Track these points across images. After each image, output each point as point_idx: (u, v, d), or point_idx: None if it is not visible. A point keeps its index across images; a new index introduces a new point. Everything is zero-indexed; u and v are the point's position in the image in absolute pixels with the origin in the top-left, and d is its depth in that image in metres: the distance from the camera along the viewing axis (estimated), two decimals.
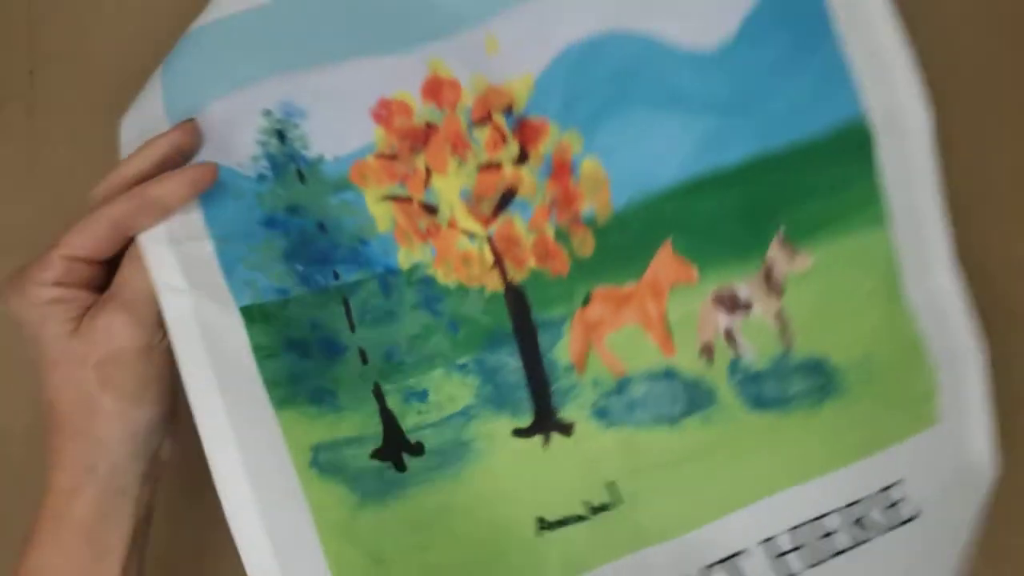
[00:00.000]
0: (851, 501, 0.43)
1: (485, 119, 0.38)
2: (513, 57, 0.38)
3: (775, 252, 0.41)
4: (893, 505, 0.43)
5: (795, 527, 0.42)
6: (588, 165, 0.39)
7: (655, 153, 0.39)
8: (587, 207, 0.39)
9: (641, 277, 0.40)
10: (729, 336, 0.41)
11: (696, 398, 0.41)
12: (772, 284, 0.41)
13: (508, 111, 0.39)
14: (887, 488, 0.43)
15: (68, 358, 0.33)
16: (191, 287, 0.34)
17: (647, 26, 0.38)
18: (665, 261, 0.40)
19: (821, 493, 0.43)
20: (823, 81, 0.39)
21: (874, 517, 0.43)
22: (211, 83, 0.36)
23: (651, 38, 0.38)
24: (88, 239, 0.33)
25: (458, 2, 0.37)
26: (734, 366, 0.41)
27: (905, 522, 0.43)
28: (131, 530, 0.34)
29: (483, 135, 0.38)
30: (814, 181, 0.40)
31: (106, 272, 0.35)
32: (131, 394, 0.33)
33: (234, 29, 0.36)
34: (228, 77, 0.36)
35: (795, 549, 0.42)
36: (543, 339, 0.40)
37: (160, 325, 0.34)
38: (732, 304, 0.41)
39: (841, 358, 0.42)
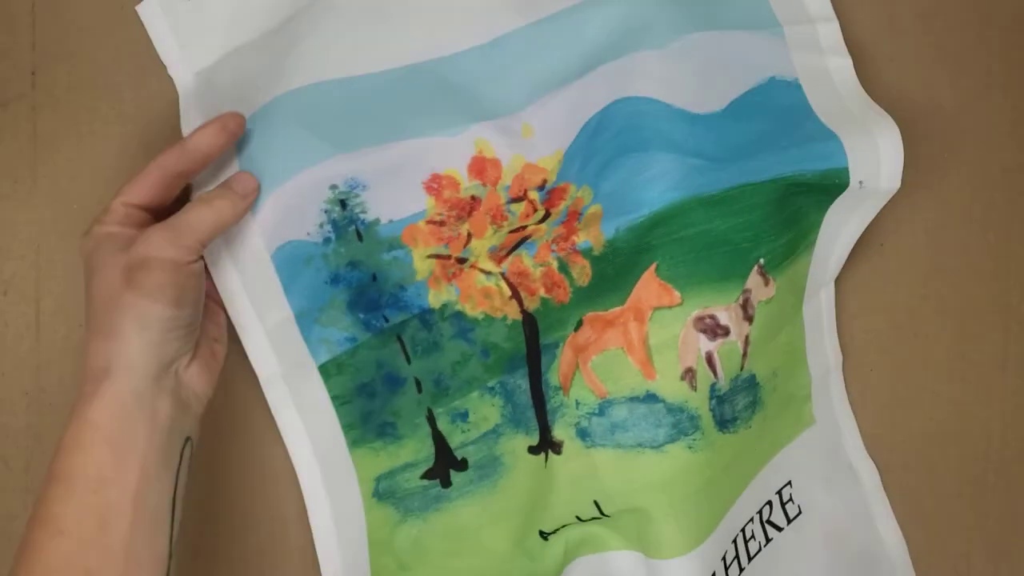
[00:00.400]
0: (761, 505, 0.47)
1: (521, 197, 0.43)
2: (546, 139, 0.43)
3: (753, 282, 0.42)
4: (784, 505, 0.47)
5: (734, 539, 0.45)
6: (592, 209, 0.42)
7: (643, 183, 0.41)
8: (583, 240, 0.41)
9: (626, 301, 0.42)
10: (710, 360, 0.42)
11: (680, 424, 0.42)
12: (747, 311, 0.42)
13: (542, 186, 0.43)
14: (780, 490, 0.47)
15: (110, 265, 0.36)
16: (282, 367, 0.42)
17: (650, 93, 0.42)
18: (648, 285, 0.41)
19: (748, 503, 0.46)
20: (810, 142, 0.41)
21: (776, 518, 0.47)
22: (284, 164, 0.40)
23: (652, 98, 0.42)
24: (143, 187, 0.38)
25: (495, 95, 0.42)
26: (712, 390, 0.42)
27: (793, 519, 0.48)
28: (150, 438, 0.36)
29: (519, 208, 0.43)
30: (789, 212, 0.42)
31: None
32: (148, 292, 0.35)
33: (304, 108, 0.41)
34: (300, 158, 0.41)
35: (735, 559, 0.45)
36: (543, 362, 0.43)
37: (196, 252, 0.37)
38: (714, 329, 0.41)
39: (761, 373, 0.44)
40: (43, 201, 0.44)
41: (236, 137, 0.40)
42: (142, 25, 0.43)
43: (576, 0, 0.43)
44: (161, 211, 0.39)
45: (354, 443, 0.43)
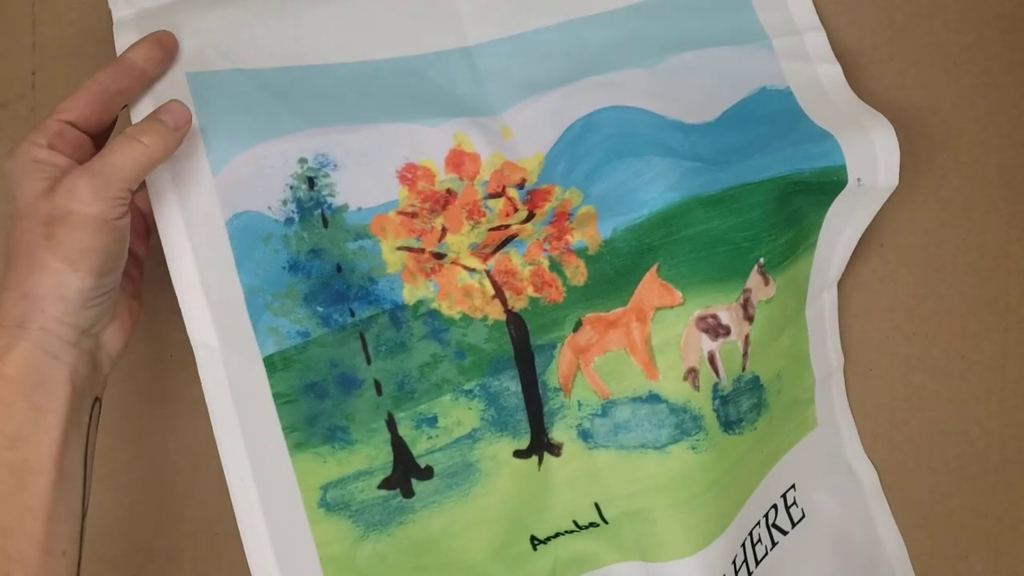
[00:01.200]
0: (767, 509, 0.46)
1: (500, 193, 0.42)
2: (525, 141, 0.42)
3: (753, 281, 0.42)
4: (789, 508, 0.47)
5: (743, 543, 0.45)
6: (583, 210, 0.41)
7: (641, 185, 0.40)
8: (577, 239, 0.41)
9: (628, 302, 0.41)
10: (712, 360, 0.42)
11: (683, 424, 0.41)
12: (748, 311, 0.42)
13: (521, 185, 0.42)
14: (785, 493, 0.47)
15: (30, 213, 0.34)
16: (221, 344, 0.38)
17: (639, 104, 0.42)
18: (650, 285, 0.41)
19: (755, 506, 0.45)
20: (806, 142, 0.42)
21: (780, 522, 0.47)
22: (253, 127, 0.39)
23: (642, 108, 0.42)
24: (78, 103, 0.36)
25: (474, 96, 0.42)
26: (714, 390, 0.42)
27: (797, 523, 0.47)
28: (68, 398, 0.34)
29: (497, 205, 0.42)
30: (788, 211, 0.42)
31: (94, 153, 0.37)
32: (70, 257, 0.33)
33: (281, 80, 0.40)
34: (270, 125, 0.39)
35: (744, 563, 0.45)
36: (538, 363, 0.42)
37: (124, 204, 0.34)
38: (716, 329, 0.41)
39: (765, 375, 0.44)
40: None
41: (171, 55, 0.38)
42: None
43: (564, 17, 0.44)
44: (99, 137, 0.38)
45: (296, 447, 0.39)
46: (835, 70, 0.45)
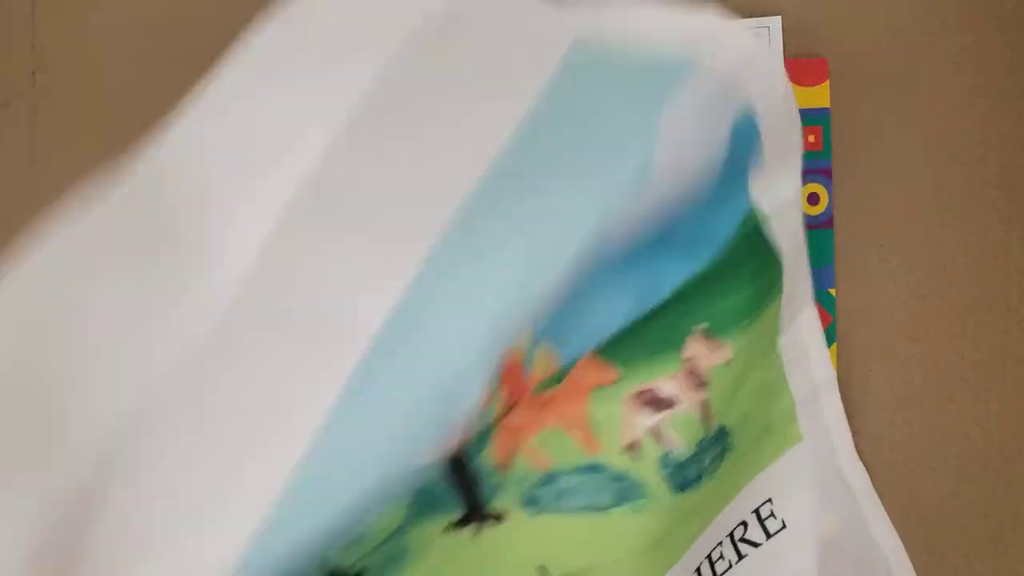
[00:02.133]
0: (732, 528, 0.46)
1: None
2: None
3: (696, 350, 0.41)
4: (764, 521, 0.47)
5: (696, 569, 0.45)
6: (539, 352, 0.39)
7: (599, 321, 0.39)
8: (536, 386, 0.39)
9: (561, 382, 0.40)
10: (656, 433, 0.41)
11: (624, 490, 0.41)
12: (698, 378, 0.42)
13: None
14: (758, 508, 0.46)
15: None
16: None
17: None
18: (585, 365, 0.40)
19: (715, 531, 0.45)
20: (717, 202, 0.40)
21: (751, 535, 0.46)
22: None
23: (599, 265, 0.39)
24: None
25: None
26: (664, 460, 0.42)
27: (774, 534, 0.47)
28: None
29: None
30: (735, 277, 0.41)
31: None
32: None
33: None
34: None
35: None
36: (468, 450, 0.40)
37: None
38: (654, 404, 0.41)
39: (731, 422, 0.44)
40: (43, 202, 0.44)
41: None
42: (142, 25, 0.43)
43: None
44: None
45: None
46: None
